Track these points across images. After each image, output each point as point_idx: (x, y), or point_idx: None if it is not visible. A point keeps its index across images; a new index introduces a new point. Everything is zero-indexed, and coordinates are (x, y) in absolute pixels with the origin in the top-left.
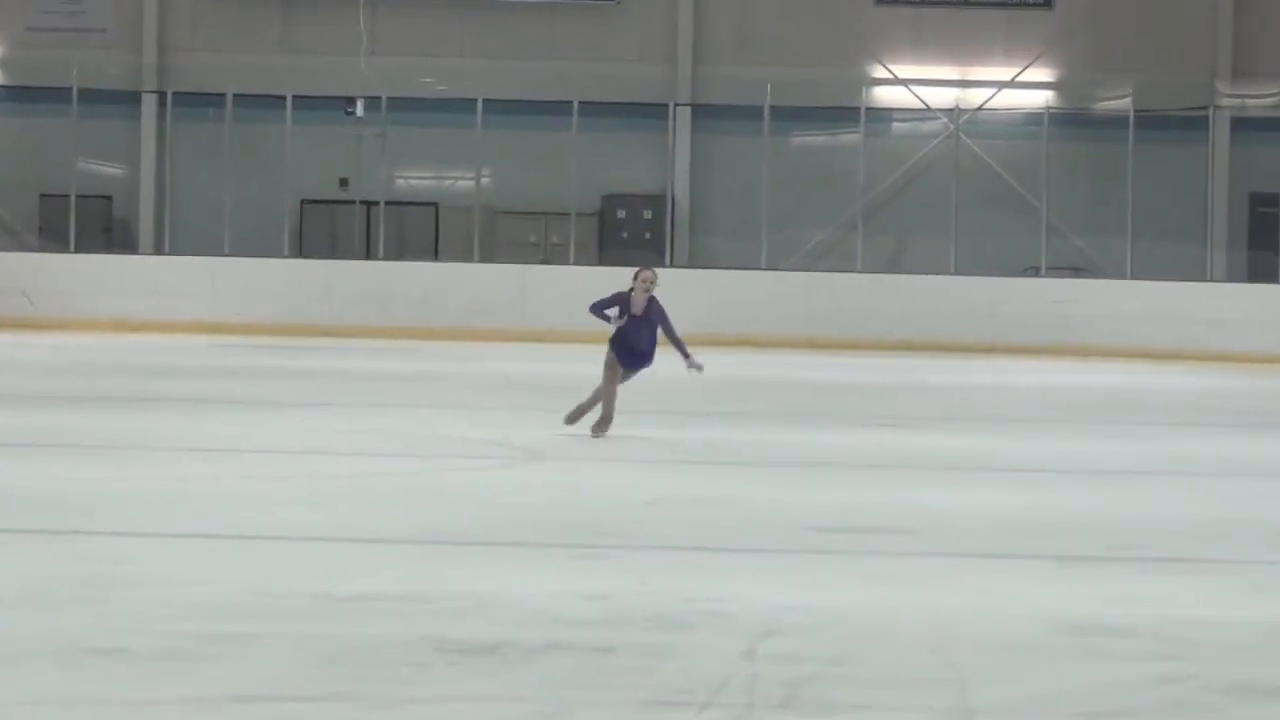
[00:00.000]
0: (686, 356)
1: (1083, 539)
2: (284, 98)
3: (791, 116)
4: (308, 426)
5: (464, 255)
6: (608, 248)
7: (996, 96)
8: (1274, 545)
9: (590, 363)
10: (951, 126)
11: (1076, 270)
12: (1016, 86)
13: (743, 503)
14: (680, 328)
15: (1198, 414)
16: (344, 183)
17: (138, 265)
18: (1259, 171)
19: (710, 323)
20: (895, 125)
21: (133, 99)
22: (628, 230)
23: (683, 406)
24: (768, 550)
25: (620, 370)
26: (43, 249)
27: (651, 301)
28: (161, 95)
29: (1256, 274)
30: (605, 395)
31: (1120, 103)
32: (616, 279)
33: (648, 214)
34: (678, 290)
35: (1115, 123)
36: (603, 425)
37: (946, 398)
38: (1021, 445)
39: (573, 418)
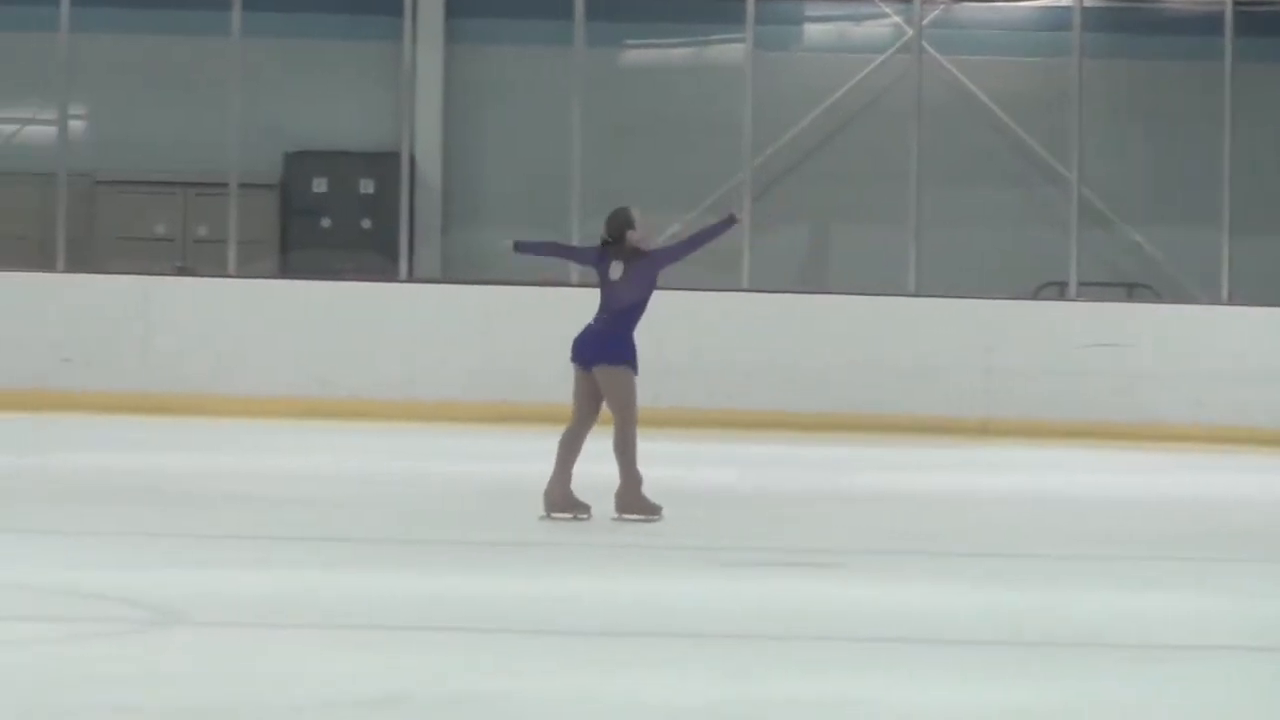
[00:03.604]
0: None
1: None
2: None
3: (623, 13)
4: None
5: (36, 258)
6: (297, 245)
7: None
8: None
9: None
10: (910, 33)
11: (1132, 288)
12: None
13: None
14: (403, 391)
15: None
16: None
17: None
18: None
19: (475, 382)
20: (809, 31)
21: None
22: (332, 214)
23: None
24: None
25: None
26: None
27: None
28: None
29: None
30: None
31: None
32: (312, 306)
33: (368, 186)
34: (421, 322)
35: (1203, 25)
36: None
37: (881, 518)
38: (1045, 599)
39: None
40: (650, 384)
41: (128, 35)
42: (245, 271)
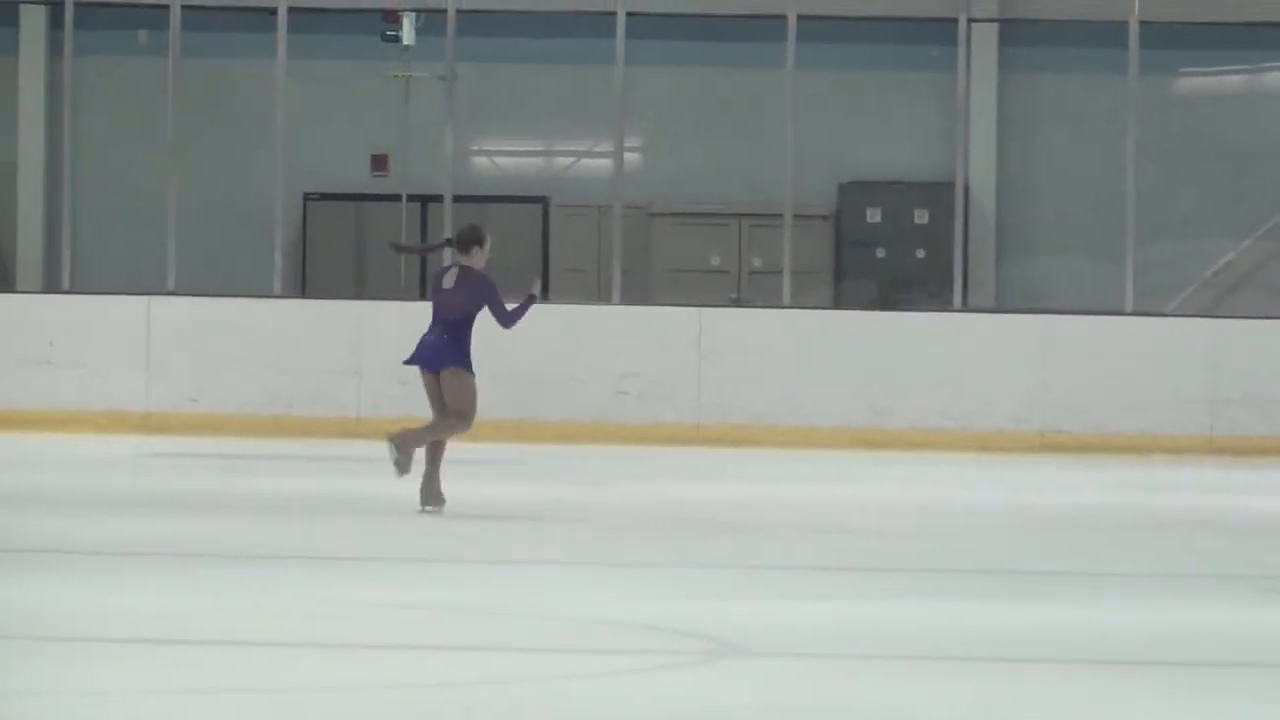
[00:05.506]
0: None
1: None
2: (272, 11)
3: (1178, 40)
4: (313, 597)
5: (592, 290)
6: (851, 275)
7: None
8: None
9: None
10: None
11: None
12: None
13: None
14: (955, 421)
15: None
16: (379, 163)
17: (19, 311)
18: None
19: (1027, 412)
20: None
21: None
22: (886, 245)
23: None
24: None
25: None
26: None
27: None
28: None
29: None
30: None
31: None
32: (867, 336)
33: (922, 216)
34: (975, 351)
35: None
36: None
37: None
38: None
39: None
40: (1205, 413)
41: (682, 68)
42: (799, 302)
